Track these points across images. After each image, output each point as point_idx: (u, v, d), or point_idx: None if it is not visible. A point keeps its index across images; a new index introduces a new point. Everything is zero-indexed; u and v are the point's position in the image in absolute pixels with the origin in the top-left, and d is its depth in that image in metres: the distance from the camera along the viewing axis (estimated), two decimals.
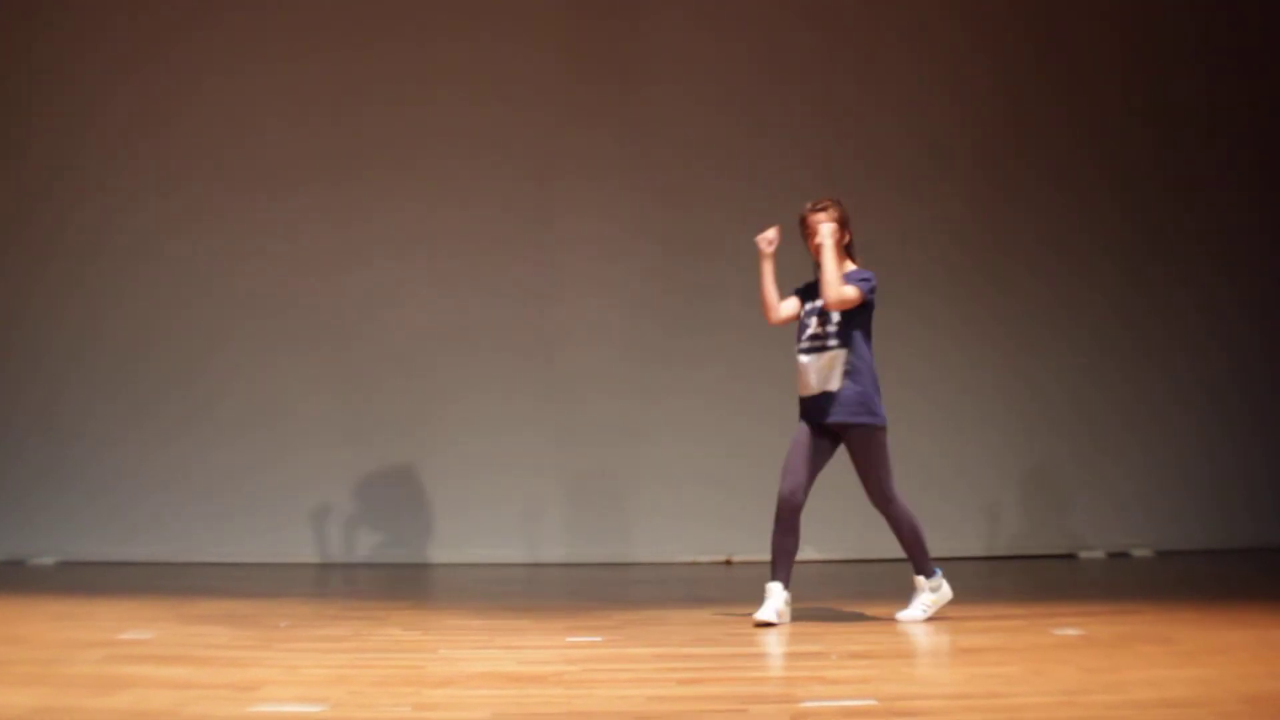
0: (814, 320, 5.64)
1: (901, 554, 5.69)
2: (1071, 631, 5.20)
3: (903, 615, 5.61)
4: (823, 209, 5.62)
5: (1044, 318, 9.18)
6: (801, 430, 5.60)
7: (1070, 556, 8.82)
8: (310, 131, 9.00)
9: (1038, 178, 9.24)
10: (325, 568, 8.52)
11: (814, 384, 5.57)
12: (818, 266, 5.60)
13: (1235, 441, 9.20)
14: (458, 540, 8.72)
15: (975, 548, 8.70)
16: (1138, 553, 8.91)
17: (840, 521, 7.62)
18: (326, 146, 8.99)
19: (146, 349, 8.90)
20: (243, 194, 8.98)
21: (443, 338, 8.95)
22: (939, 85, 9.23)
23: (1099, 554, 8.87)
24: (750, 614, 5.51)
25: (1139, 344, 9.20)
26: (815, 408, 5.59)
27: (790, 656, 4.81)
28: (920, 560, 5.64)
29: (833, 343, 5.57)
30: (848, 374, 5.53)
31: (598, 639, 5.18)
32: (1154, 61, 9.36)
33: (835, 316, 5.57)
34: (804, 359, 5.64)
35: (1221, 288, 9.30)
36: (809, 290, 5.72)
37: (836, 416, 5.54)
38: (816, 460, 5.56)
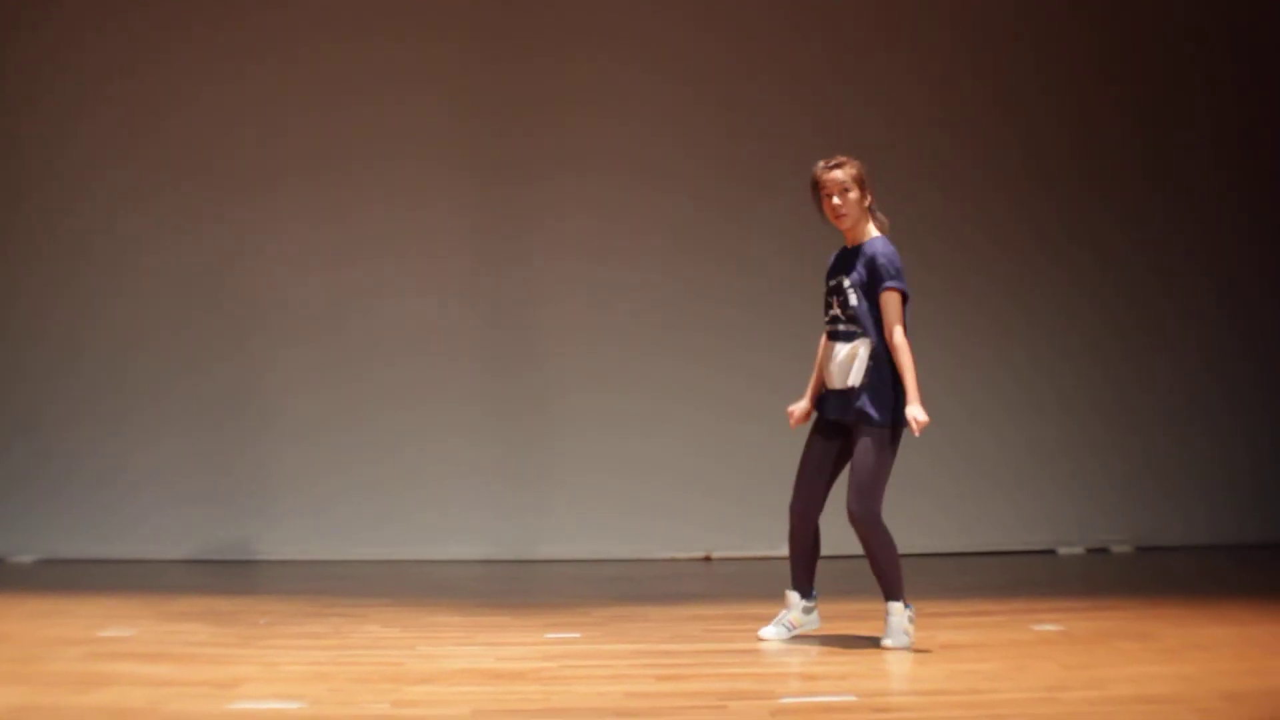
0: (834, 300, 5.07)
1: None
2: (1051, 627, 5.22)
3: (891, 643, 4.83)
4: (838, 166, 4.98)
5: (1024, 313, 9.16)
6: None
7: (1050, 552, 8.84)
8: (294, 133, 8.90)
9: (1023, 173, 9.22)
10: (306, 565, 8.48)
11: (835, 379, 4.98)
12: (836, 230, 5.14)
13: (1215, 437, 9.20)
14: (437, 537, 8.68)
15: (954, 543, 8.69)
16: (1117, 548, 8.93)
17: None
18: (310, 147, 8.89)
19: (130, 351, 8.83)
20: (228, 197, 8.91)
21: (423, 335, 8.89)
22: (934, 90, 9.20)
23: (1078, 549, 8.89)
24: (728, 610, 5.50)
25: (1118, 339, 9.20)
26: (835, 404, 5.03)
27: (769, 652, 4.81)
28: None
29: (855, 330, 5.00)
30: (871, 367, 4.94)
31: (576, 635, 5.18)
32: (1153, 65, 9.37)
33: (853, 299, 5.00)
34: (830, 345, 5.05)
35: (1200, 284, 9.31)
36: (835, 266, 5.14)
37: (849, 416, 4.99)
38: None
